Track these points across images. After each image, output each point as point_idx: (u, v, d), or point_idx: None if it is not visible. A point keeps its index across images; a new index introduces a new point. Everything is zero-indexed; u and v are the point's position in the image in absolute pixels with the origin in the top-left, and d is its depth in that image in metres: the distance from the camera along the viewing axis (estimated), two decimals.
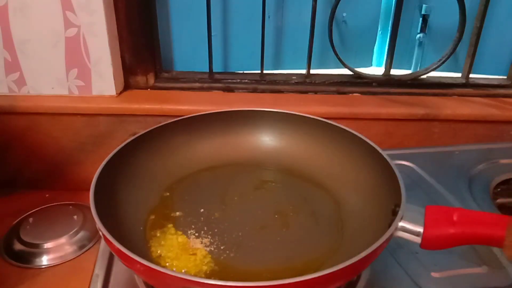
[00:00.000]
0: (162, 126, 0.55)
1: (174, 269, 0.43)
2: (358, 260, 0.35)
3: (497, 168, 0.63)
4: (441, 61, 0.70)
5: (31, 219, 0.59)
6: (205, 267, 0.43)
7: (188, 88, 0.72)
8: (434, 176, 0.60)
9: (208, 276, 0.42)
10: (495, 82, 0.74)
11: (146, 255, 0.44)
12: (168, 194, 0.53)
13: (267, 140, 0.59)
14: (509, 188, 0.62)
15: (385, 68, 0.73)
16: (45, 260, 0.54)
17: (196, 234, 0.48)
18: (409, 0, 0.74)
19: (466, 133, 0.70)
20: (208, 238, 0.47)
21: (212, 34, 0.69)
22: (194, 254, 0.45)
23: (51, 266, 0.53)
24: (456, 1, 0.66)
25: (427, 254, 0.45)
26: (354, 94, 0.72)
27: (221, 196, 0.53)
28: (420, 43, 0.78)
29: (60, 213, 0.60)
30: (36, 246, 0.55)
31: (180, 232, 0.48)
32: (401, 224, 0.39)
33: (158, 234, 0.47)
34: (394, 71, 0.73)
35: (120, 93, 0.68)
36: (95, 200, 0.42)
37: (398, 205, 0.41)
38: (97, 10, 0.60)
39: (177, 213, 0.50)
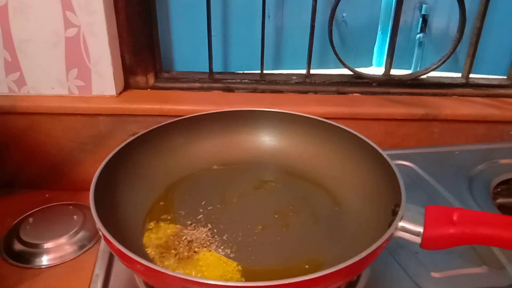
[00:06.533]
0: (162, 126, 0.55)
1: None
2: (358, 260, 0.35)
3: (497, 168, 0.63)
4: (441, 61, 0.70)
5: (31, 219, 0.59)
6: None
7: (188, 88, 0.72)
8: (434, 176, 0.60)
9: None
10: (495, 82, 0.74)
11: (146, 255, 0.44)
12: (168, 194, 0.53)
13: (267, 140, 0.60)
14: (509, 188, 0.62)
15: (385, 68, 0.73)
16: (45, 260, 0.54)
17: None
18: (409, 0, 0.74)
19: (466, 133, 0.70)
20: (208, 238, 0.47)
21: (212, 34, 0.69)
22: (194, 254, 0.45)
23: (51, 266, 0.53)
24: (456, 1, 0.66)
25: (427, 254, 0.45)
26: (354, 94, 0.72)
27: (221, 196, 0.53)
28: (420, 43, 0.78)
29: (60, 213, 0.60)
30: (36, 246, 0.55)
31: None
32: (401, 224, 0.39)
33: (158, 234, 0.47)
34: (394, 71, 0.73)
35: (120, 93, 0.68)
36: (95, 200, 0.42)
37: (398, 205, 0.41)
38: (97, 10, 0.60)
39: (177, 213, 0.50)
